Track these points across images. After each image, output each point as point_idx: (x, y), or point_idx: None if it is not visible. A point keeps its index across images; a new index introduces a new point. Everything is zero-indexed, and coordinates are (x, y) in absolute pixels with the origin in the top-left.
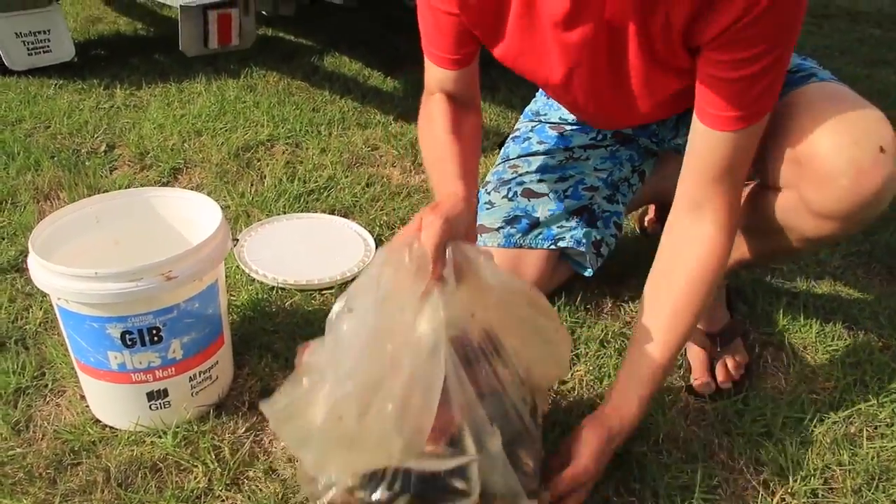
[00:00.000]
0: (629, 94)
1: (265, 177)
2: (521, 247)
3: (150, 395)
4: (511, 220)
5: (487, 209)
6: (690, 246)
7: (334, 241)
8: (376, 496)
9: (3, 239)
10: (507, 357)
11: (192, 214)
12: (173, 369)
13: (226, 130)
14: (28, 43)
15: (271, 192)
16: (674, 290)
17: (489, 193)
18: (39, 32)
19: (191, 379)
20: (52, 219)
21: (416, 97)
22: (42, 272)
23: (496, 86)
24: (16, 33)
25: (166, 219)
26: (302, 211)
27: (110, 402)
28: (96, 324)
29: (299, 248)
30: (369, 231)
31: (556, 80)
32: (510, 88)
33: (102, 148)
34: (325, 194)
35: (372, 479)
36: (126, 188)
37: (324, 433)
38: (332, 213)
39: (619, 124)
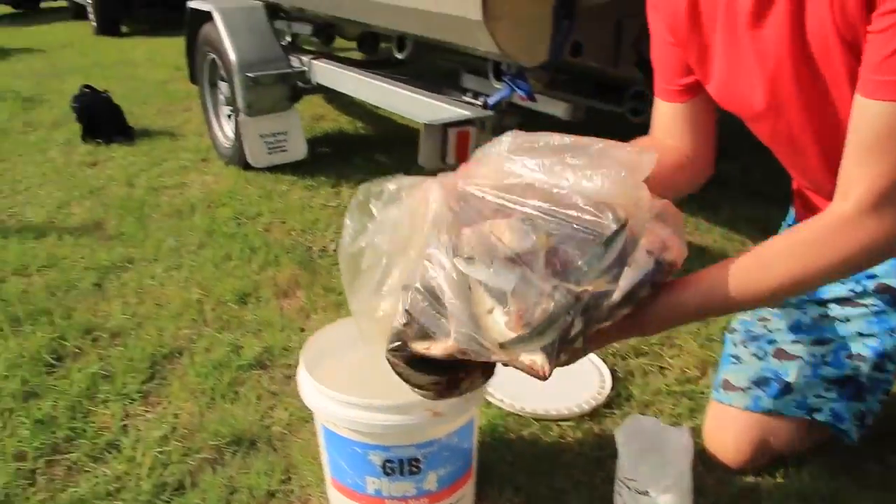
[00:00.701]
0: (834, 88)
1: None
2: (770, 412)
3: None
4: (760, 382)
5: (733, 363)
6: (821, 217)
7: (567, 367)
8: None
9: (249, 334)
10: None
11: None
12: (426, 500)
13: None
14: (268, 143)
15: None
16: (781, 244)
17: (736, 346)
18: (279, 133)
19: None
20: (319, 336)
21: None
22: (314, 394)
23: (718, 204)
24: (259, 134)
25: None
26: None
27: None
28: (360, 449)
29: None
30: (602, 360)
31: (761, 98)
32: (732, 207)
33: (332, 247)
34: None
35: None
36: None
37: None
38: None
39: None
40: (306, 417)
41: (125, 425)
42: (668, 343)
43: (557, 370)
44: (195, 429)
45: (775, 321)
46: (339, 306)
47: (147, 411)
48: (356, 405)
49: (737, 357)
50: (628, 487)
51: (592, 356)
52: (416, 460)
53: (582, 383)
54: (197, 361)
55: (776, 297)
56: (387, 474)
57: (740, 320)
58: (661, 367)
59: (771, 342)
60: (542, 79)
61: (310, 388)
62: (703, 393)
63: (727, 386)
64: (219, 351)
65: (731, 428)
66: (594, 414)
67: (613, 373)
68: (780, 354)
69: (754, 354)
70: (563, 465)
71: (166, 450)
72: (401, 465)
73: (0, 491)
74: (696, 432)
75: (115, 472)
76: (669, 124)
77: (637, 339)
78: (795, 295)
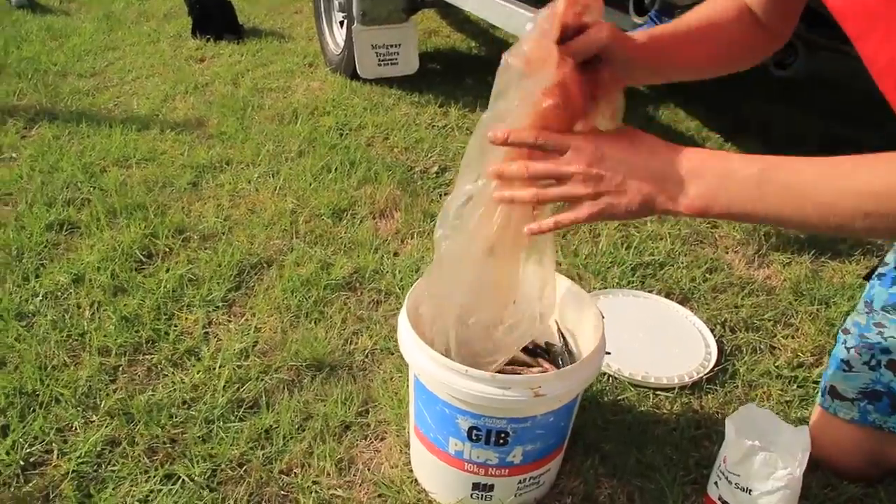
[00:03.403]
0: None
1: (600, 238)
2: (881, 428)
3: (476, 486)
4: (870, 395)
5: (843, 371)
6: None
7: (673, 332)
8: None
9: (341, 251)
10: None
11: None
12: (507, 471)
13: None
14: (380, 54)
15: (606, 257)
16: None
17: (848, 350)
18: (391, 46)
19: (520, 482)
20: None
21: None
22: (413, 348)
23: None
24: (371, 45)
25: None
26: (637, 287)
27: (435, 474)
28: (448, 410)
29: (635, 333)
30: (710, 328)
31: None
32: None
33: (434, 169)
34: (662, 272)
35: None
36: None
37: None
38: (668, 296)
39: None
40: (392, 349)
41: (207, 333)
42: (783, 322)
43: (661, 335)
44: (276, 346)
45: (892, 328)
46: None
47: (230, 321)
48: (454, 370)
49: (847, 364)
50: (728, 480)
51: (701, 325)
52: (506, 433)
53: (685, 353)
54: (285, 275)
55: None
56: (471, 440)
57: (854, 322)
58: (772, 347)
59: (886, 351)
60: None
61: (410, 342)
62: (816, 382)
63: (833, 393)
64: (308, 266)
65: (836, 438)
66: (695, 387)
67: (720, 345)
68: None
69: (866, 363)
70: (655, 439)
71: (245, 364)
72: (487, 435)
73: (84, 382)
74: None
75: (192, 381)
76: None
77: (748, 312)
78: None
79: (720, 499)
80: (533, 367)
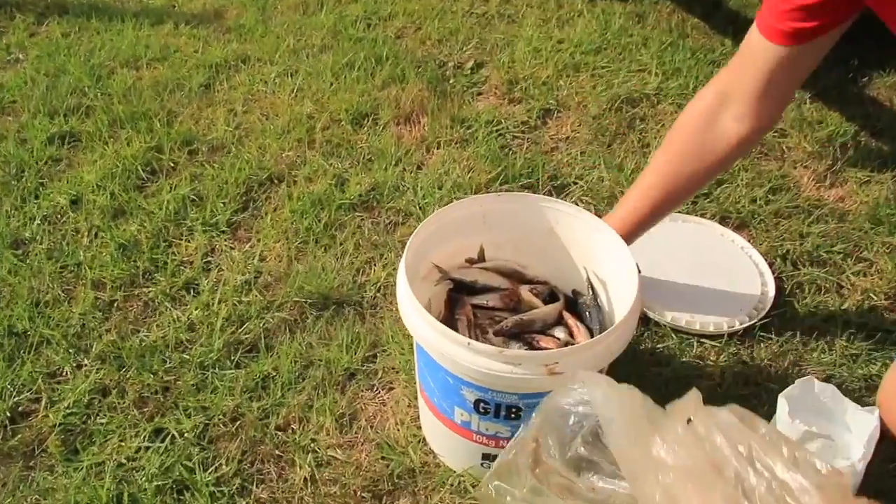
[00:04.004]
0: None
1: (647, 147)
2: None
3: (486, 456)
4: None
5: None
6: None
7: (725, 266)
8: None
9: (358, 164)
10: None
11: (584, 238)
12: None
13: (608, 71)
14: None
15: None
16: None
17: None
18: None
19: None
20: (439, 217)
21: (842, 71)
22: (411, 313)
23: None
24: None
25: (557, 234)
26: (688, 209)
27: (442, 440)
28: (452, 380)
29: (682, 267)
30: (768, 262)
31: None
32: None
33: (470, 64)
34: (718, 191)
35: None
36: (490, 123)
37: None
38: (724, 221)
39: None
40: None
41: (208, 262)
42: (855, 255)
43: (711, 271)
44: (280, 278)
45: None
46: (466, 143)
47: (233, 248)
48: (457, 343)
49: None
50: None
51: (758, 258)
52: (517, 408)
53: (738, 292)
54: (295, 194)
55: None
56: (479, 413)
57: None
58: (840, 286)
59: None
60: None
61: (406, 300)
62: (889, 332)
63: None
64: (321, 182)
65: None
66: (746, 335)
67: (779, 283)
68: None
69: None
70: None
71: (245, 301)
72: (497, 409)
73: (77, 321)
74: (872, 387)
75: (189, 319)
76: (756, 64)
77: (815, 243)
78: None
79: None
80: (555, 330)
